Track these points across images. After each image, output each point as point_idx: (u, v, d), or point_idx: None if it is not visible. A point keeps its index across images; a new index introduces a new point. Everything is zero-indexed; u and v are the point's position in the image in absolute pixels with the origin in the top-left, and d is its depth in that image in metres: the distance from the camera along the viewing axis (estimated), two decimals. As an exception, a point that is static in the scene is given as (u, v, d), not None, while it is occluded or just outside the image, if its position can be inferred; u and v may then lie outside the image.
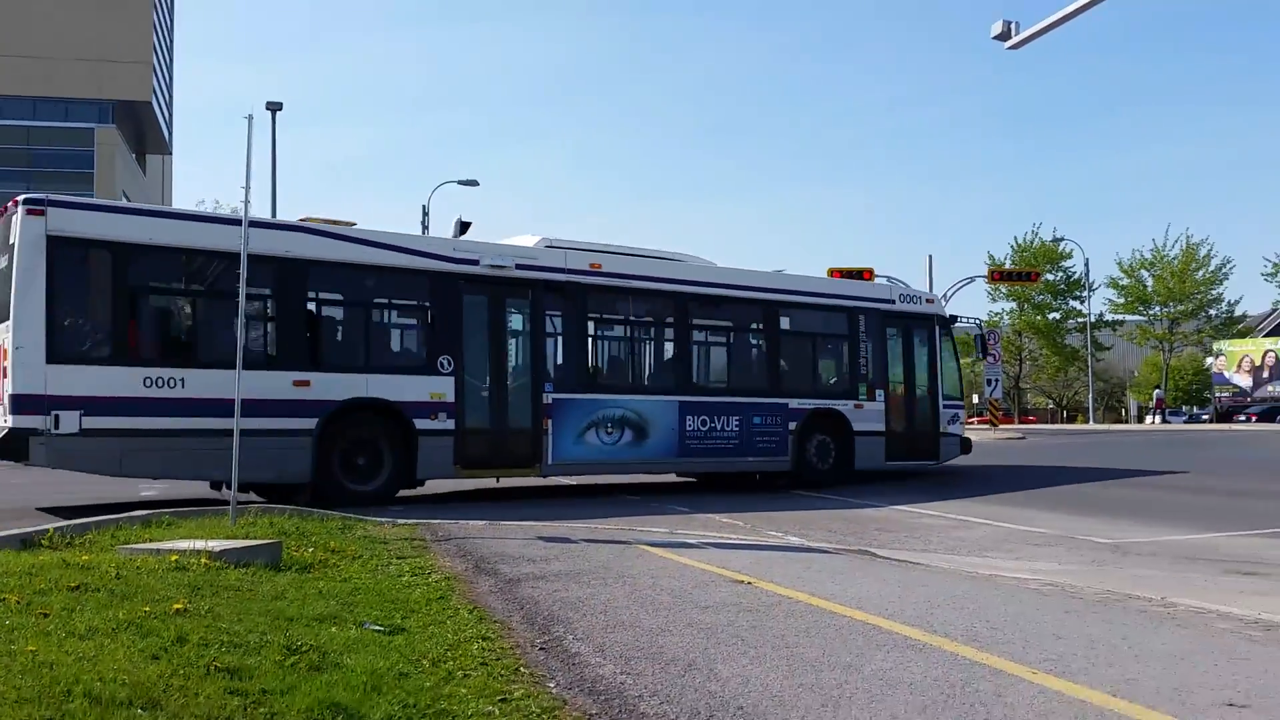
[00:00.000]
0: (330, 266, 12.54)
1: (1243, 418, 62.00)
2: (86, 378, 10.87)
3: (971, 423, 35.92)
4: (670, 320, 15.23)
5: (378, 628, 5.30)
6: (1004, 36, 7.45)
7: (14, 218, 11.00)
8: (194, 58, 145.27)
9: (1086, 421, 58.31)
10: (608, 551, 8.07)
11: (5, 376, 10.70)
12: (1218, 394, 67.78)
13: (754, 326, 16.08)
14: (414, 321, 13.47)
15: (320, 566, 7.14)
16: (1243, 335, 70.24)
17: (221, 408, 10.70)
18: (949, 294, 36.78)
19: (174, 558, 6.73)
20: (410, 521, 10.03)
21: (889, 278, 24.02)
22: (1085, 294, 54.00)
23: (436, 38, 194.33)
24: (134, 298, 11.53)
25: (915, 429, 17.36)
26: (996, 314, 56.36)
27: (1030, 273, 40.96)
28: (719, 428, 15.16)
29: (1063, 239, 54.23)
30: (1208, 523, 11.09)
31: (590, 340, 14.56)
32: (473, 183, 38.56)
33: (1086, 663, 4.70)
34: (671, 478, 17.00)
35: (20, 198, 11.19)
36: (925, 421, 17.53)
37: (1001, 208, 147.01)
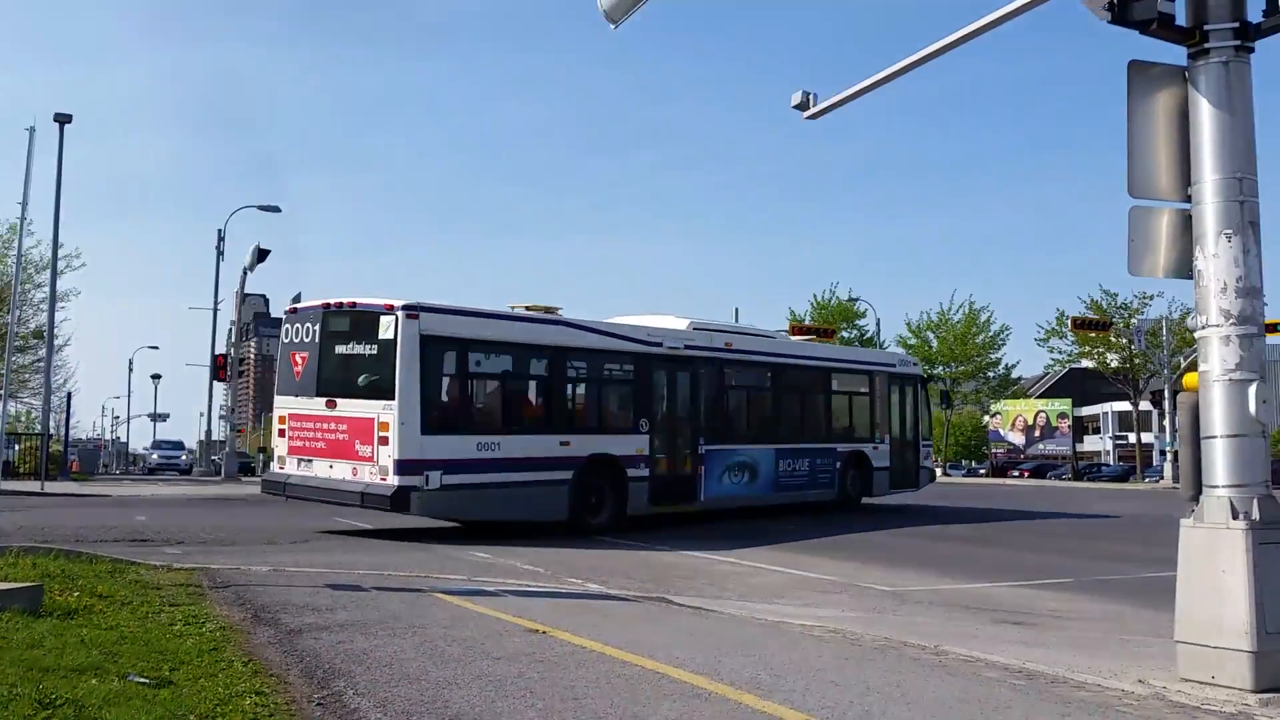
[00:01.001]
0: (578, 351, 16.00)
1: (1016, 473, 66.51)
2: (444, 444, 13.74)
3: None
4: (769, 385, 19.48)
5: (143, 680, 4.96)
6: (803, 106, 7.78)
7: (387, 319, 13.80)
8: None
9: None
10: (400, 600, 7.83)
11: (386, 444, 13.41)
12: (993, 450, 72.60)
13: (816, 387, 20.52)
14: (624, 391, 16.82)
15: (85, 613, 6.64)
16: (1017, 396, 75.54)
17: (522, 465, 14.57)
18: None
19: (-86, 604, 6.12)
20: (188, 566, 9.47)
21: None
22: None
23: (245, 56, 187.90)
24: (470, 381, 14.75)
25: (905, 464, 22.02)
26: None
27: (827, 329, 42.72)
28: (797, 468, 19.51)
29: (858, 299, 56.93)
30: (983, 573, 11.73)
31: (725, 402, 18.45)
32: (274, 208, 37.37)
33: (862, 710, 4.85)
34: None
35: (398, 304, 13.84)
36: (911, 458, 22.21)
37: (804, 265, 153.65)
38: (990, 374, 61.66)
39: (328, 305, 14.86)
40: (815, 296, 59.06)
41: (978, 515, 21.61)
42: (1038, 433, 78.53)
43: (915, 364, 24.15)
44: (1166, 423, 51.47)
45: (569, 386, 16.10)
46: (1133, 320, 57.01)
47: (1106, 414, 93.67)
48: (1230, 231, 5.56)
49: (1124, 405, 75.11)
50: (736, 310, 42.17)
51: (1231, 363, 5.47)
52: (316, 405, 14.37)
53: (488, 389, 15.23)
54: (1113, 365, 61.74)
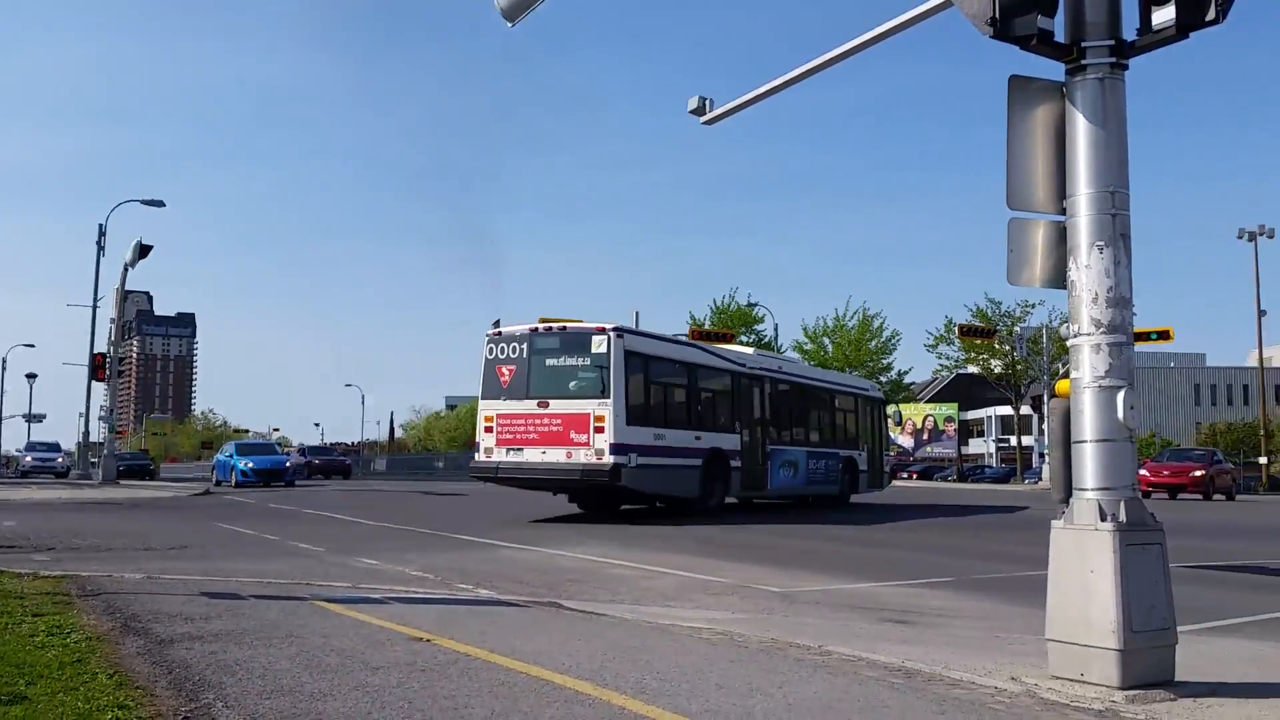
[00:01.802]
0: (705, 368, 21.09)
1: (905, 475, 68.18)
2: (637, 434, 18.19)
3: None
4: (803, 399, 24.83)
5: (-7, 697, 4.69)
6: (699, 111, 7.81)
7: (600, 338, 18.22)
8: None
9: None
10: (278, 609, 7.60)
11: (601, 432, 17.69)
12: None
13: (827, 403, 25.89)
14: (726, 400, 21.60)
15: (-63, 627, 6.28)
16: (907, 401, 77.47)
17: (677, 452, 19.33)
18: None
19: None
20: (56, 574, 9.05)
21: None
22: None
23: (135, 48, 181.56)
24: (649, 386, 19.19)
25: (876, 469, 28.03)
26: None
27: (726, 334, 43.12)
28: (818, 467, 24.58)
29: (756, 304, 57.58)
30: (870, 573, 11.94)
31: (779, 412, 23.41)
32: (158, 203, 36.35)
33: (743, 712, 4.87)
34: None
35: (609, 326, 18.40)
36: (879, 464, 28.30)
37: (705, 271, 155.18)
38: (883, 379, 63.06)
39: (535, 329, 18.98)
40: (715, 301, 59.71)
41: (862, 517, 22.05)
42: (925, 436, 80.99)
43: (878, 389, 31.51)
44: (1045, 426, 53.62)
45: (700, 393, 20.88)
46: (1015, 328, 58.95)
47: (990, 418, 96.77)
48: (1102, 244, 5.73)
49: (1006, 409, 77.63)
50: (636, 314, 42.03)
51: (1101, 370, 5.65)
52: (527, 406, 18.38)
53: (657, 393, 19.65)
54: (996, 371, 63.78)
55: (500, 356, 18.95)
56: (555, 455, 17.99)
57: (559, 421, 18.06)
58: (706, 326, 51.97)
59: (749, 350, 24.04)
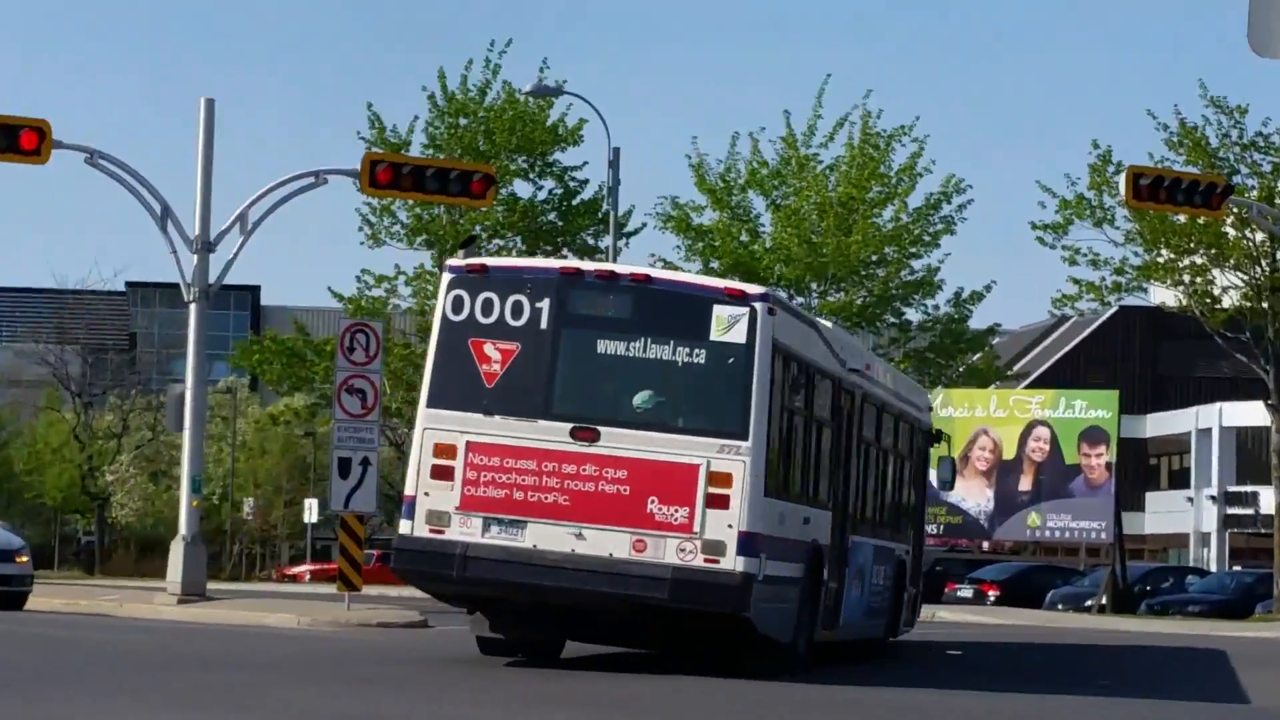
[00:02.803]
0: (817, 373, 17.22)
1: (966, 588, 48.98)
2: (770, 515, 14.06)
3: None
4: (877, 434, 20.76)
5: None
6: None
7: (734, 311, 13.93)
8: None
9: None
10: None
11: (723, 507, 13.51)
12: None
13: (892, 438, 20.90)
14: (820, 440, 18.33)
15: None
16: (983, 377, 49.09)
17: (789, 550, 15.68)
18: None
19: None
20: None
21: None
22: (605, 236, 36.92)
23: None
24: (784, 415, 14.92)
25: (917, 583, 23.08)
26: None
27: (479, 174, 28.34)
28: (877, 580, 20.24)
29: (563, 85, 37.10)
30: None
31: (860, 464, 20.50)
32: None
33: None
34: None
35: (752, 290, 14.59)
36: (919, 573, 23.22)
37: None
38: (914, 305, 41.17)
39: (577, 271, 15.04)
40: (444, 82, 39.40)
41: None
42: (1026, 481, 50.58)
43: (928, 401, 25.79)
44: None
45: (814, 429, 16.54)
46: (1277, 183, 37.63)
47: (1207, 435, 69.93)
48: None
49: (1252, 412, 54.11)
50: (205, 105, 27.27)
51: None
52: (547, 433, 14.04)
53: (786, 428, 15.66)
54: (1225, 305, 39.34)
55: (483, 320, 13.96)
56: (607, 543, 13.46)
57: (624, 474, 13.59)
58: (418, 152, 35.47)
59: (826, 322, 19.37)
